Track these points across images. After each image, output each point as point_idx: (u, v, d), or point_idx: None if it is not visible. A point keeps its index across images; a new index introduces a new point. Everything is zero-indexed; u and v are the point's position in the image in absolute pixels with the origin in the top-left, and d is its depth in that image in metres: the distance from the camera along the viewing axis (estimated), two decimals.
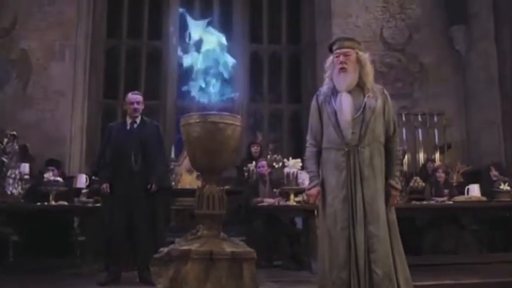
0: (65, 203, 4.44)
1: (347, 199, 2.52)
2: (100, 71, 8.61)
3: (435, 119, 8.13)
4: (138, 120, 3.99)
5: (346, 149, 2.56)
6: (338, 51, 2.69)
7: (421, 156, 8.00)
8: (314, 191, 2.67)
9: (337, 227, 2.51)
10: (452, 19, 8.40)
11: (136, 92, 4.19)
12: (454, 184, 6.29)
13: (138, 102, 3.99)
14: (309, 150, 2.76)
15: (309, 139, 2.77)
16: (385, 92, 2.71)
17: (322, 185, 2.65)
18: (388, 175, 2.60)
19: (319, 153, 2.69)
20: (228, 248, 2.43)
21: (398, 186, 2.62)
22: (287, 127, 8.99)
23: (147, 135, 3.92)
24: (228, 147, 2.51)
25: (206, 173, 2.59)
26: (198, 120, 2.46)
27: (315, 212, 2.72)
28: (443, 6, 8.50)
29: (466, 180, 7.07)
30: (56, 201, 4.37)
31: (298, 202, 4.72)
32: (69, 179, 6.86)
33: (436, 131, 8.11)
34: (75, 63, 7.94)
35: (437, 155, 7.98)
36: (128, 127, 3.97)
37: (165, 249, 2.50)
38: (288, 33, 9.17)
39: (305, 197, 5.32)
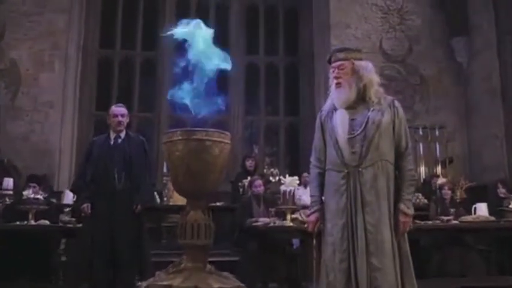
0: (47, 222, 4.14)
1: (346, 227, 2.25)
2: (92, 82, 8.40)
3: (436, 133, 7.93)
4: (122, 134, 3.72)
5: (346, 171, 2.30)
6: (333, 65, 2.45)
7: (422, 171, 7.77)
8: (313, 217, 2.40)
9: (335, 258, 2.24)
10: (453, 30, 8.25)
11: (120, 104, 3.94)
12: (458, 201, 6.04)
13: (122, 115, 3.73)
14: (312, 171, 2.50)
15: (312, 160, 2.51)
16: (396, 103, 2.42)
17: (325, 209, 2.39)
18: (397, 198, 2.31)
19: (322, 175, 2.43)
20: (215, 284, 2.15)
21: (409, 211, 2.29)
22: (284, 140, 8.76)
23: (132, 151, 3.65)
24: (216, 168, 2.23)
25: (191, 197, 2.30)
26: (180, 138, 2.19)
27: (313, 242, 2.41)
28: (443, 17, 8.36)
29: (469, 197, 6.84)
30: (36, 220, 4.08)
31: (294, 219, 4.47)
32: (57, 194, 6.61)
33: (437, 145, 7.89)
34: (65, 74, 7.74)
35: (438, 169, 7.75)
36: (112, 142, 3.71)
37: (143, 284, 2.21)
38: (285, 44, 8.99)
39: (302, 216, 5.09)
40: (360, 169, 2.28)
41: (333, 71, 2.43)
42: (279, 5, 9.11)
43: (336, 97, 2.41)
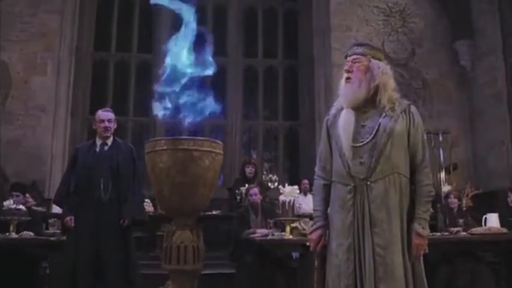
0: (31, 234, 3.89)
1: (353, 248, 1.98)
2: (86, 86, 8.18)
3: (440, 138, 7.68)
4: (109, 141, 3.47)
5: (353, 184, 2.02)
6: (348, 58, 2.18)
7: None
8: (315, 235, 2.13)
9: (340, 283, 1.98)
10: (456, 33, 8.06)
11: (107, 108, 3.70)
12: (464, 209, 5.80)
13: (109, 120, 3.48)
14: (317, 183, 2.22)
15: (317, 169, 2.23)
16: (412, 108, 2.17)
17: (329, 226, 2.12)
18: (412, 216, 2.04)
19: (327, 188, 2.16)
20: None
21: (424, 232, 2.02)
22: (283, 145, 8.52)
23: (119, 159, 3.38)
24: (205, 181, 1.96)
25: (177, 215, 2.04)
26: (165, 147, 1.93)
27: (315, 263, 2.14)
28: (446, 20, 8.17)
29: (475, 204, 6.61)
30: (19, 231, 3.82)
31: (294, 228, 4.23)
32: (48, 202, 6.35)
33: (441, 151, 7.64)
34: (58, 77, 7.53)
35: (442, 176, 7.51)
36: (98, 149, 3.45)
37: None
38: (285, 47, 8.78)
39: (302, 225, 4.85)
40: (369, 183, 2.00)
41: (346, 64, 2.17)
42: (278, 7, 8.91)
43: (343, 93, 2.15)
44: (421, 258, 2.06)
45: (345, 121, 2.10)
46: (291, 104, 8.66)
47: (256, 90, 8.59)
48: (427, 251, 2.04)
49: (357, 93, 2.10)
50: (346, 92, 2.13)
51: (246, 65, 8.60)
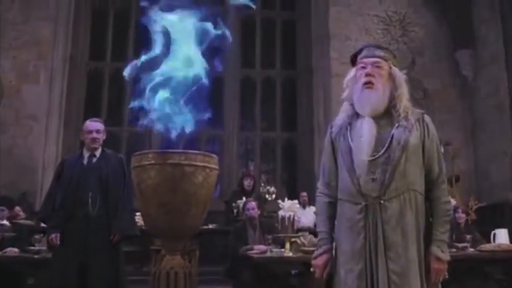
0: (16, 250, 3.69)
1: (365, 275, 1.76)
2: (80, 95, 8.00)
3: (441, 149, 7.50)
4: (97, 153, 3.27)
5: (364, 203, 1.79)
6: (365, 60, 1.91)
7: None
8: (320, 260, 1.89)
9: None
10: (457, 42, 7.94)
11: (96, 119, 3.50)
12: (469, 223, 5.62)
13: (97, 131, 3.29)
14: (320, 201, 1.98)
15: (320, 185, 2.00)
16: (426, 118, 1.92)
17: (336, 249, 1.90)
18: (429, 239, 1.82)
19: (333, 206, 1.92)
20: None
21: (444, 257, 1.80)
22: (281, 157, 8.34)
23: (108, 172, 3.17)
24: (198, 200, 1.76)
25: (166, 238, 1.84)
26: (153, 162, 1.73)
27: None
28: (447, 29, 8.06)
29: (478, 218, 6.44)
30: (4, 247, 3.62)
31: (293, 243, 4.04)
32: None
33: None
34: (50, 86, 7.38)
35: None
36: (85, 161, 3.25)
37: None
38: (283, 57, 8.64)
39: (301, 240, 4.65)
40: (382, 201, 1.77)
41: (363, 67, 1.89)
42: (276, 17, 8.79)
43: (363, 100, 1.87)
44: (440, 284, 1.85)
45: (367, 132, 1.85)
46: (289, 115, 8.51)
47: (253, 100, 8.44)
48: (447, 277, 1.83)
49: (380, 101, 1.86)
50: (368, 99, 1.87)
51: (244, 75, 8.46)
